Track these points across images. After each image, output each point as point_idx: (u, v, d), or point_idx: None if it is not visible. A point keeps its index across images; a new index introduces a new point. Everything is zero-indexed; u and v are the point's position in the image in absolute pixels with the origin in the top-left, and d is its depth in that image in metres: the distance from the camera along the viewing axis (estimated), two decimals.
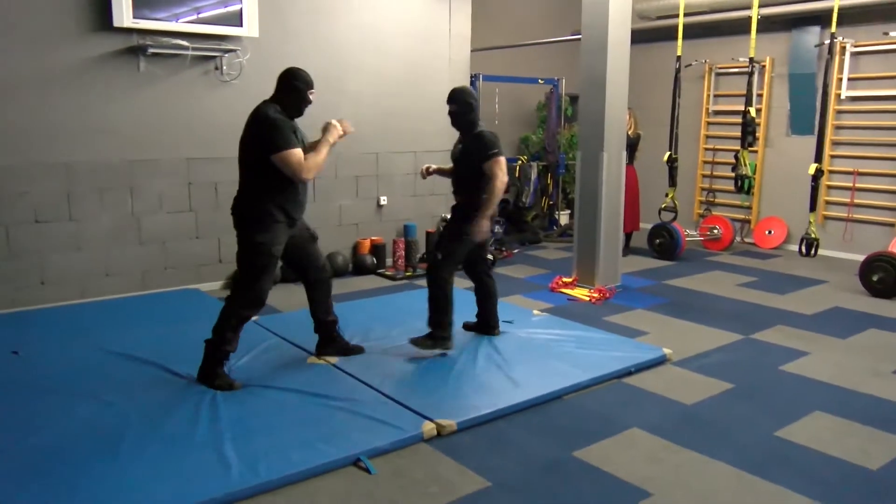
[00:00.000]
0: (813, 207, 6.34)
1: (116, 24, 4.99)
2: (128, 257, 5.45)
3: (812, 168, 6.17)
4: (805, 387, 3.94)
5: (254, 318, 4.80)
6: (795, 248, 7.75)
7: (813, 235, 6.33)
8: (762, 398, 3.77)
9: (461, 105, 4.20)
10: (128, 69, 5.25)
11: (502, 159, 4.09)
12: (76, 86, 5.07)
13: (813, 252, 6.35)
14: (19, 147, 4.92)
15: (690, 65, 8.18)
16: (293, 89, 3.72)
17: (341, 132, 3.84)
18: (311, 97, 3.78)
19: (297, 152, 3.59)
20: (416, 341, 4.13)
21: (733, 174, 6.86)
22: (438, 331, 4.14)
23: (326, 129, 3.82)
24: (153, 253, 5.57)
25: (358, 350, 4.22)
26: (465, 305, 4.55)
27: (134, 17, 5.03)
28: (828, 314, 5.39)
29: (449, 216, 4.46)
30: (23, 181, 4.96)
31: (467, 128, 4.23)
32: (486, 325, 4.58)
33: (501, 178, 4.05)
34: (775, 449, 3.20)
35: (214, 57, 5.59)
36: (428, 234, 6.89)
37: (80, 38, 5.04)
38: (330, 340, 4.19)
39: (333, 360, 4.09)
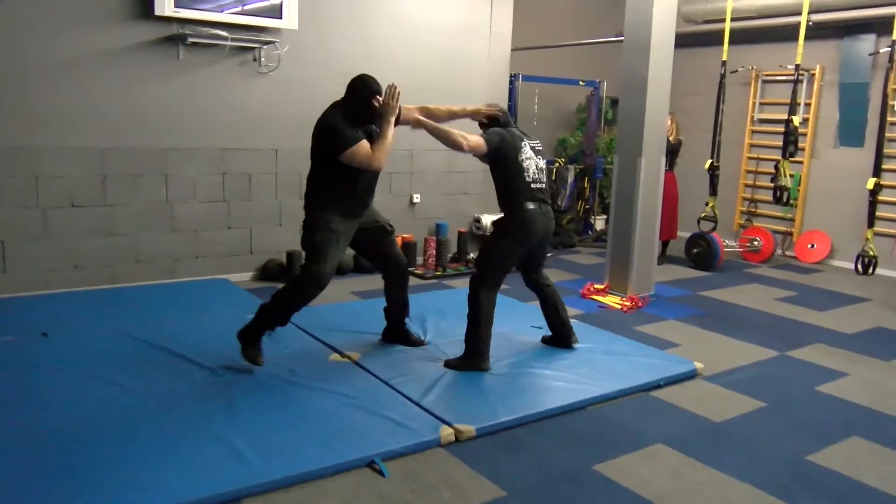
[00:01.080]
0: (871, 223, 6.09)
1: (158, 12, 5.03)
2: (159, 244, 5.49)
3: (870, 182, 5.93)
4: (842, 409, 3.78)
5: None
6: (839, 263, 7.56)
7: (871, 253, 6.08)
8: (795, 418, 3.63)
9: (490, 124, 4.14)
10: (167, 57, 5.29)
11: (479, 139, 3.92)
12: (115, 72, 5.12)
13: (871, 270, 6.10)
14: (57, 131, 4.99)
15: (736, 71, 7.97)
16: (355, 96, 3.76)
17: (395, 105, 3.76)
18: (376, 103, 3.75)
19: (363, 145, 3.64)
20: (450, 363, 3.97)
21: (772, 184, 6.65)
22: (472, 351, 3.96)
23: (382, 112, 3.75)
24: (184, 241, 5.60)
25: (419, 342, 4.33)
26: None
27: (175, 7, 5.06)
28: (870, 334, 5.19)
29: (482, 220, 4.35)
30: (60, 165, 5.03)
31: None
32: (559, 336, 4.37)
33: (472, 138, 3.87)
34: (805, 473, 3.07)
35: (253, 48, 5.60)
36: (460, 233, 6.82)
37: (121, 25, 5.09)
38: (396, 330, 4.32)
39: (356, 357, 4.05)
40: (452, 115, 4.21)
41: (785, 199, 6.56)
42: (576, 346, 4.36)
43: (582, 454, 3.14)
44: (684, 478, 2.97)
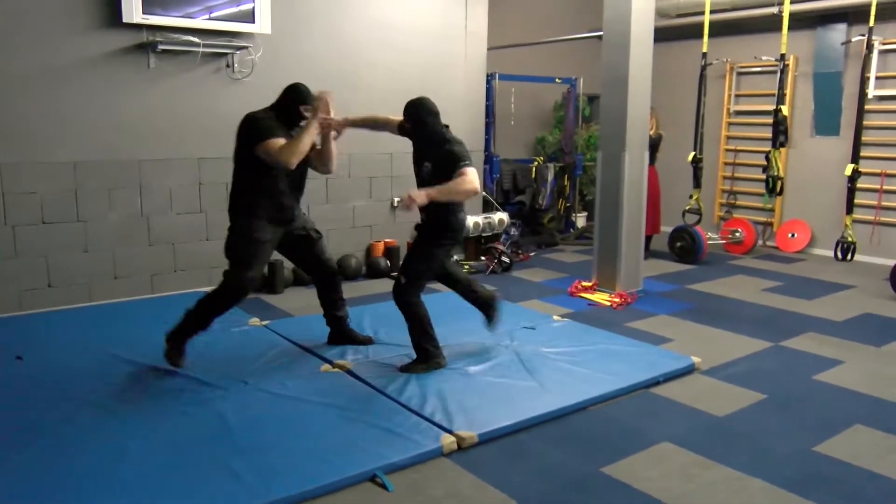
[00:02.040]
0: (849, 210, 6.12)
1: (126, 19, 4.87)
2: (136, 259, 5.33)
3: (848, 169, 5.97)
4: (842, 398, 3.76)
5: (264, 322, 4.71)
6: (820, 251, 7.60)
7: (850, 239, 6.12)
8: (797, 410, 3.59)
9: (415, 123, 3.93)
10: (137, 66, 5.13)
11: (472, 170, 3.72)
12: (84, 82, 4.95)
13: (850, 256, 6.13)
14: (26, 145, 4.81)
15: (711, 64, 7.98)
16: (284, 103, 3.84)
17: (321, 116, 3.77)
18: (304, 112, 3.79)
19: (278, 141, 3.65)
20: (405, 368, 3.90)
21: (762, 175, 6.66)
22: (424, 353, 3.93)
23: (308, 119, 3.77)
24: (162, 254, 5.44)
25: (367, 341, 4.31)
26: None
27: (144, 13, 4.91)
28: (859, 320, 5.20)
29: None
30: (30, 180, 4.85)
31: (430, 143, 3.92)
32: (482, 308, 4.26)
33: (471, 186, 3.68)
34: (815, 465, 3.02)
35: (226, 54, 5.46)
36: None
37: (89, 34, 4.92)
38: (340, 333, 4.31)
39: (348, 366, 3.94)
40: (384, 123, 4.25)
41: (779, 189, 6.55)
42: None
43: (588, 457, 3.06)
44: (696, 477, 2.90)
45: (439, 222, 3.91)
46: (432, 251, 3.96)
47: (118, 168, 5.17)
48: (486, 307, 4.27)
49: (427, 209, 3.79)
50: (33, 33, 4.73)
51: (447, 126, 3.98)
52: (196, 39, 5.17)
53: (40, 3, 4.73)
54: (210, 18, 5.25)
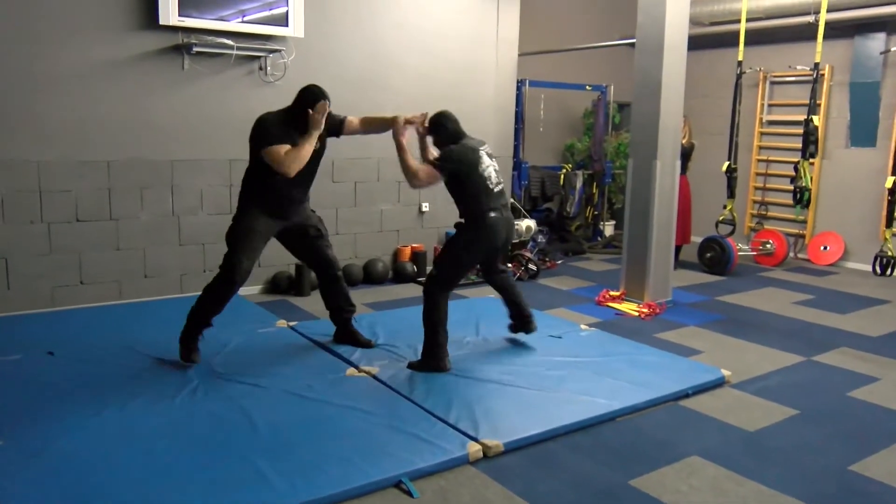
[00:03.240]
0: (889, 223, 5.98)
1: (162, 21, 4.93)
2: (166, 258, 5.38)
3: (890, 181, 5.84)
4: (878, 416, 3.66)
5: (290, 323, 4.72)
6: (854, 265, 7.45)
7: (890, 253, 5.98)
8: (831, 426, 3.51)
9: (439, 135, 4.08)
10: (172, 67, 5.19)
11: (427, 169, 3.91)
12: (120, 83, 5.02)
13: (890, 271, 5.99)
14: (63, 143, 4.88)
15: (745, 72, 7.88)
16: (297, 104, 3.88)
17: (319, 119, 3.81)
18: (315, 115, 3.81)
19: (282, 147, 3.74)
20: (412, 365, 3.98)
21: (791, 186, 6.56)
22: (431, 353, 3.95)
23: (308, 124, 3.82)
24: (192, 254, 5.48)
25: (367, 344, 4.31)
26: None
27: (180, 16, 4.96)
28: (895, 336, 5.08)
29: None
30: (65, 178, 4.92)
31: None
32: (519, 321, 4.38)
33: (422, 174, 3.90)
34: (851, 484, 2.95)
35: (259, 57, 5.50)
36: None
37: (126, 35, 4.99)
38: (342, 331, 4.38)
39: (374, 371, 3.93)
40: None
41: (806, 201, 6.45)
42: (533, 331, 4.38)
43: (617, 469, 3.02)
44: (727, 493, 2.85)
45: (467, 222, 3.99)
46: (460, 251, 4.01)
47: (150, 168, 5.22)
48: (523, 323, 4.37)
49: (460, 208, 4.03)
50: (72, 35, 4.81)
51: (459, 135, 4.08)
52: (230, 42, 5.21)
53: (79, 5, 4.80)
54: (244, 21, 5.30)
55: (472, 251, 4.03)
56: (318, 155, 3.98)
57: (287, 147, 3.74)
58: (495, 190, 3.99)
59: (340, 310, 4.34)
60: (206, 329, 4.01)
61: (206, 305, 3.94)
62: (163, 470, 2.80)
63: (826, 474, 3.02)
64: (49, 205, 4.89)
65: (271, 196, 3.92)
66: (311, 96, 3.83)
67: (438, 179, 3.96)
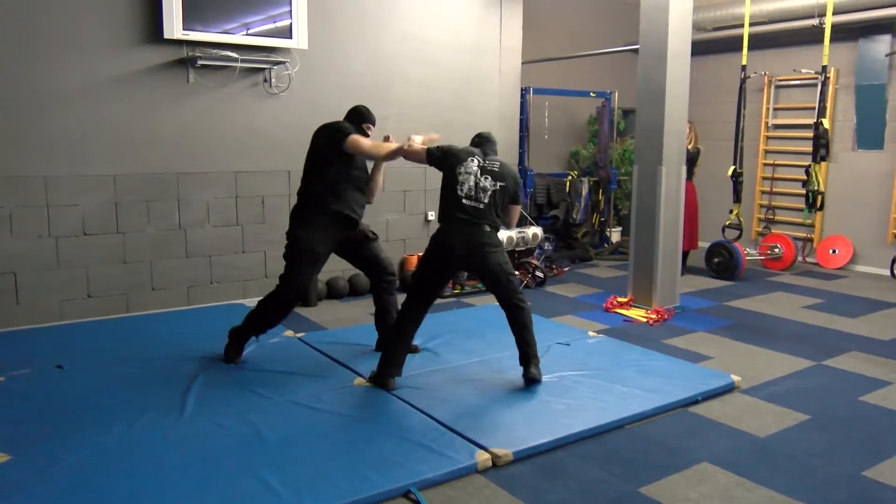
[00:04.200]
0: None
1: (167, 35, 4.96)
2: (173, 271, 5.39)
3: None
4: (891, 420, 3.63)
5: (298, 334, 4.72)
6: (863, 268, 7.41)
7: None
8: (843, 432, 3.48)
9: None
10: (177, 81, 5.22)
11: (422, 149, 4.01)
12: (125, 97, 5.04)
13: None
14: (69, 158, 4.91)
15: (749, 77, 7.87)
16: (352, 121, 4.14)
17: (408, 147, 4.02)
18: (367, 131, 4.14)
19: (363, 137, 4.03)
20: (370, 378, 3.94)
21: (802, 190, 6.52)
22: (380, 367, 3.88)
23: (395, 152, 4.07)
24: (199, 267, 5.49)
25: (414, 350, 4.32)
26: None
27: (184, 29, 4.99)
28: None
29: None
30: (72, 192, 4.94)
31: None
32: (521, 363, 3.95)
33: (401, 150, 4.01)
34: (864, 491, 2.92)
35: (263, 69, 5.52)
36: None
37: (131, 50, 5.02)
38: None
39: None
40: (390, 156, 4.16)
41: (819, 204, 6.40)
42: (537, 380, 3.90)
43: (626, 476, 3.00)
44: (738, 500, 2.82)
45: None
46: (424, 255, 3.97)
47: (157, 181, 5.25)
48: (523, 367, 3.95)
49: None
50: (77, 50, 4.84)
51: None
52: (234, 55, 5.24)
53: (83, 20, 4.83)
54: (248, 34, 5.33)
55: (426, 259, 3.94)
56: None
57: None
58: (464, 200, 3.79)
59: (388, 315, 4.31)
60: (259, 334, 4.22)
61: (265, 317, 4.11)
62: (171, 485, 2.79)
63: (838, 480, 2.99)
64: (56, 219, 4.91)
65: (345, 204, 4.03)
66: (360, 115, 4.17)
67: (422, 159, 3.96)
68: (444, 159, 3.92)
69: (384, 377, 3.83)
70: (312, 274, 4.10)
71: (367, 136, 4.11)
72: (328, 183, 4.00)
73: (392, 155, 4.06)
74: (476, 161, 3.89)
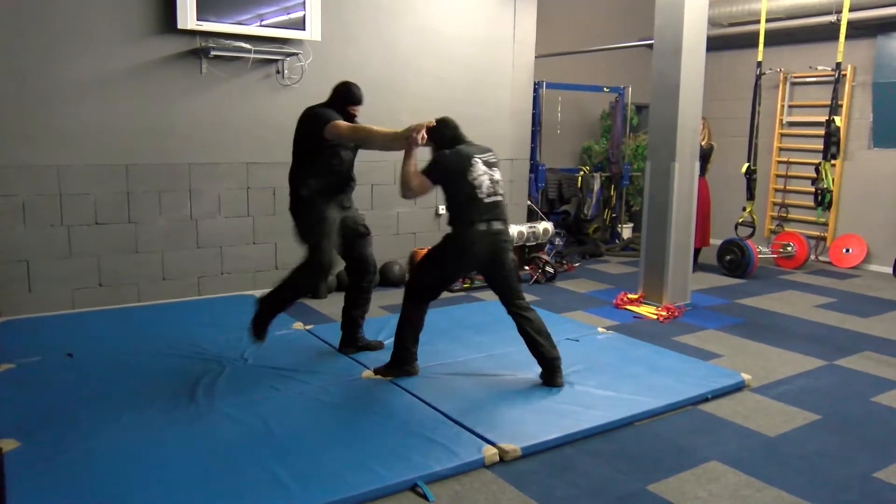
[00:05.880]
0: None
1: (181, 26, 4.96)
2: (184, 261, 5.40)
3: None
4: None
5: (307, 326, 4.73)
6: (876, 268, 7.35)
7: None
8: (855, 432, 3.45)
9: (435, 141, 3.79)
10: (190, 71, 5.22)
11: (423, 179, 3.68)
12: (138, 87, 5.05)
13: None
14: (81, 148, 4.92)
15: (764, 73, 7.80)
16: (335, 100, 3.99)
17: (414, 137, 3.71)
18: (352, 112, 3.97)
19: (343, 121, 3.85)
20: (378, 370, 3.92)
21: (812, 188, 6.47)
22: (396, 356, 3.88)
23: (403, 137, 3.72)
24: (210, 257, 5.51)
25: (377, 346, 4.31)
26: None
27: (198, 20, 4.99)
28: None
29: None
30: (85, 182, 4.96)
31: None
32: (543, 371, 3.87)
33: (415, 184, 3.65)
34: (875, 492, 2.89)
35: (276, 60, 5.52)
36: None
37: (144, 40, 5.02)
38: (349, 335, 4.31)
39: (391, 375, 3.91)
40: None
41: (828, 202, 6.36)
42: (560, 386, 3.81)
43: (635, 474, 2.98)
44: (747, 499, 2.80)
45: (452, 232, 3.74)
46: (438, 262, 3.80)
47: (169, 172, 5.26)
48: (546, 372, 3.87)
49: (448, 216, 3.79)
50: (91, 40, 4.85)
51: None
52: (248, 46, 5.24)
53: (97, 11, 4.84)
54: (262, 25, 5.32)
55: (451, 264, 3.80)
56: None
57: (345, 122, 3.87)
58: (486, 201, 3.67)
59: (356, 311, 4.27)
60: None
61: (293, 292, 4.03)
62: (179, 476, 2.80)
63: (849, 481, 2.97)
64: (69, 208, 4.93)
65: (334, 179, 3.95)
66: (346, 96, 3.97)
67: (431, 188, 3.73)
68: (447, 174, 3.69)
69: (409, 363, 3.87)
70: (332, 241, 3.92)
71: (352, 118, 3.93)
72: (318, 163, 3.90)
73: (388, 139, 3.77)
74: (478, 158, 3.72)
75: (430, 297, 3.90)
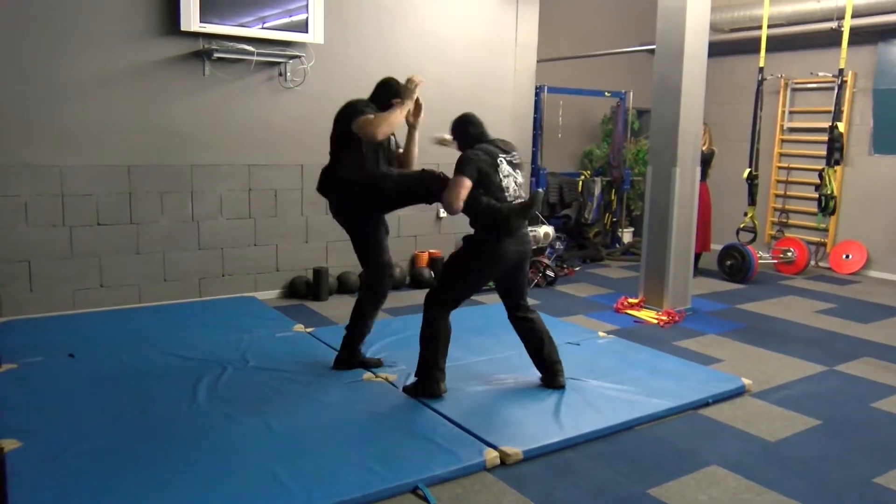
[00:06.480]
0: None
1: (184, 27, 4.97)
2: (186, 262, 5.41)
3: None
4: None
5: (308, 329, 4.73)
6: (877, 274, 7.36)
7: None
8: (855, 438, 3.45)
9: (459, 140, 3.80)
10: (193, 73, 5.23)
11: (462, 179, 3.47)
12: (141, 89, 5.07)
13: None
14: (84, 149, 4.93)
15: (766, 79, 7.82)
16: (378, 94, 3.93)
17: (413, 91, 3.78)
18: (409, 85, 3.85)
19: (369, 117, 3.68)
20: (406, 389, 3.69)
21: (815, 194, 6.49)
22: (424, 374, 3.61)
23: (401, 94, 3.80)
24: (211, 259, 5.52)
25: (376, 363, 4.11)
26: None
27: (201, 22, 5.01)
28: None
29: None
30: (87, 182, 4.97)
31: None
32: (544, 374, 3.86)
33: (449, 196, 3.49)
34: (876, 498, 2.89)
35: (279, 63, 5.53)
36: None
37: (147, 41, 5.04)
38: (349, 350, 4.07)
39: (392, 377, 3.92)
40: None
41: (831, 208, 6.37)
42: (564, 386, 3.81)
43: (635, 477, 2.99)
44: (747, 503, 2.80)
45: (480, 236, 3.62)
46: (468, 268, 3.64)
47: (171, 173, 5.27)
48: (547, 376, 3.86)
49: (473, 223, 3.65)
50: (94, 41, 4.87)
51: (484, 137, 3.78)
52: (250, 48, 5.25)
53: (100, 11, 4.86)
54: (264, 28, 5.34)
55: (482, 270, 3.62)
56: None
57: (372, 117, 3.67)
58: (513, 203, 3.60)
59: (362, 333, 4.09)
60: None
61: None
62: (180, 476, 2.80)
63: (849, 486, 2.97)
64: (71, 209, 4.94)
65: (379, 182, 3.80)
66: (388, 89, 3.89)
67: (468, 187, 3.49)
68: (479, 175, 3.52)
69: (437, 381, 3.62)
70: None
71: (412, 86, 3.79)
72: (353, 163, 3.75)
73: (390, 119, 3.67)
74: (502, 159, 3.63)
75: (456, 305, 3.70)
